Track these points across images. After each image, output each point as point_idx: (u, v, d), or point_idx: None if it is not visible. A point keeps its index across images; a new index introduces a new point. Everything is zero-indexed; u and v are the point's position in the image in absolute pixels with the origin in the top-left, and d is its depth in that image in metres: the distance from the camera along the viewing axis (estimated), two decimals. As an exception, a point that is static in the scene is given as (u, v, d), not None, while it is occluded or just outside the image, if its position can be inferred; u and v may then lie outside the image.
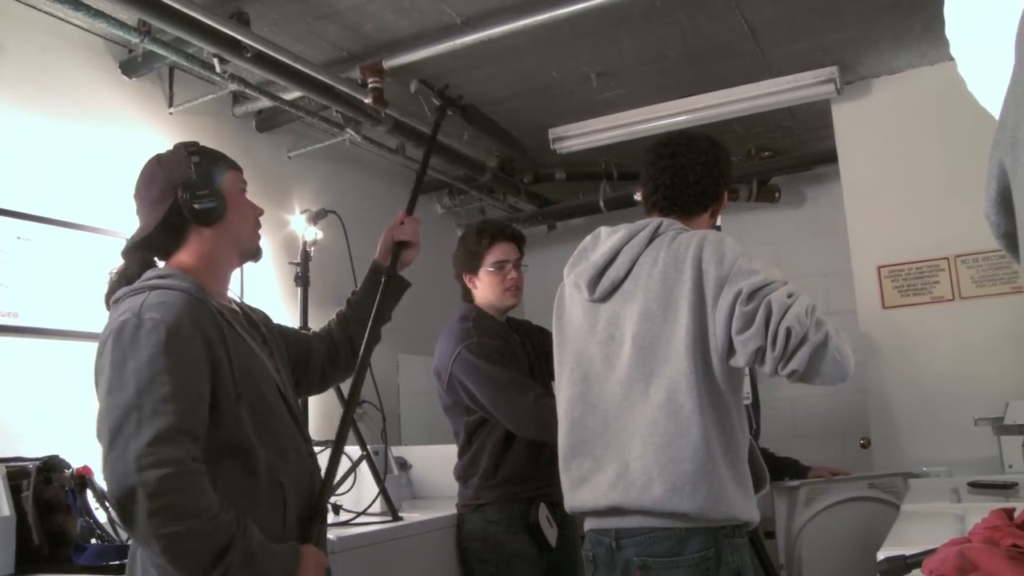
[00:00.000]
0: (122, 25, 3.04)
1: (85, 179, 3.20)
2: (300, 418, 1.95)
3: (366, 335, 2.21)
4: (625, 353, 2.02)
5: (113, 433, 1.56)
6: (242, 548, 1.57)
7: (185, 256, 1.86)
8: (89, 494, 2.38)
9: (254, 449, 1.72)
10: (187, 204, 1.82)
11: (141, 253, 1.88)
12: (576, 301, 2.19)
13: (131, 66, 3.43)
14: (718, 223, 2.33)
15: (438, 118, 2.63)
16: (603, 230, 2.19)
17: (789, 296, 1.84)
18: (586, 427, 2.07)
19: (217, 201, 1.86)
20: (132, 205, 3.31)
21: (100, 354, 1.68)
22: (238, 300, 2.02)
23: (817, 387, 5.11)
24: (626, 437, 1.98)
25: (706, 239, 2.00)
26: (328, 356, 2.22)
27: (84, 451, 2.49)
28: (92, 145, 3.25)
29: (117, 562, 2.15)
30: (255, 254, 2.02)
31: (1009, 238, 0.51)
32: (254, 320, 1.99)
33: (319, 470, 1.96)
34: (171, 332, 1.63)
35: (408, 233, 2.34)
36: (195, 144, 1.96)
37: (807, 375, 1.81)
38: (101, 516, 2.39)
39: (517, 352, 3.05)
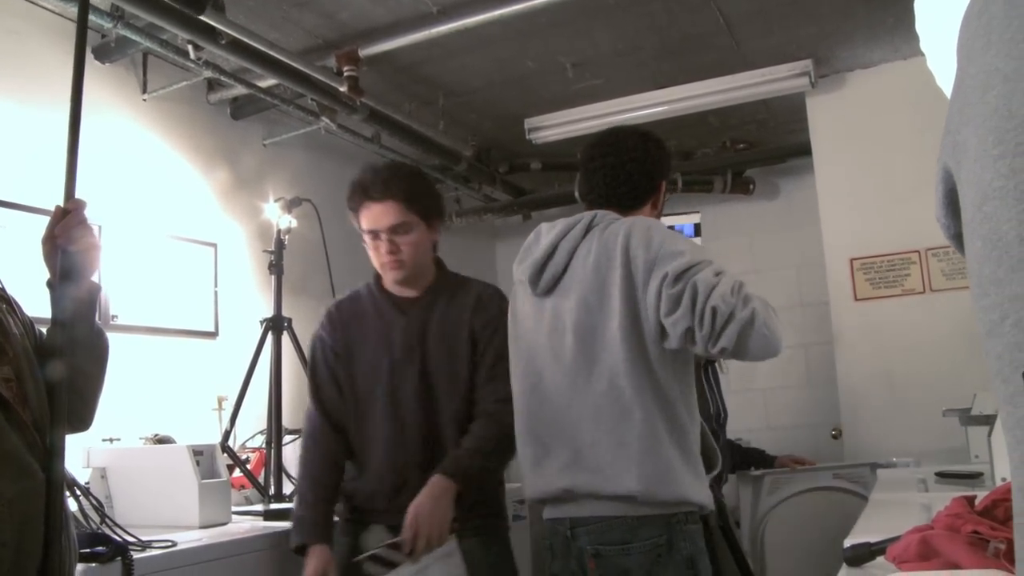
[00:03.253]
0: (94, 9, 3.01)
1: (56, 165, 3.17)
2: (33, 424, 1.53)
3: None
4: (568, 344, 2.07)
5: None
6: None
7: None
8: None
9: None
10: None
11: None
12: (525, 297, 2.24)
13: (104, 51, 3.39)
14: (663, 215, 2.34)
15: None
16: (543, 226, 2.23)
17: (715, 275, 1.88)
18: (538, 418, 2.12)
19: None
20: (111, 190, 3.30)
21: None
22: None
23: (792, 379, 5.21)
24: (575, 425, 2.03)
25: (634, 225, 2.05)
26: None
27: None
28: (64, 131, 3.22)
29: (87, 550, 2.13)
30: None
31: (959, 238, 0.53)
32: None
33: (61, 498, 1.56)
34: None
35: (72, 238, 1.75)
36: None
37: (737, 352, 1.86)
38: (71, 504, 2.37)
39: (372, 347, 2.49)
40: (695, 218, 2.59)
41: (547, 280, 2.14)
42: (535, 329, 2.17)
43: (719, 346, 1.83)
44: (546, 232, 2.20)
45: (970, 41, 0.51)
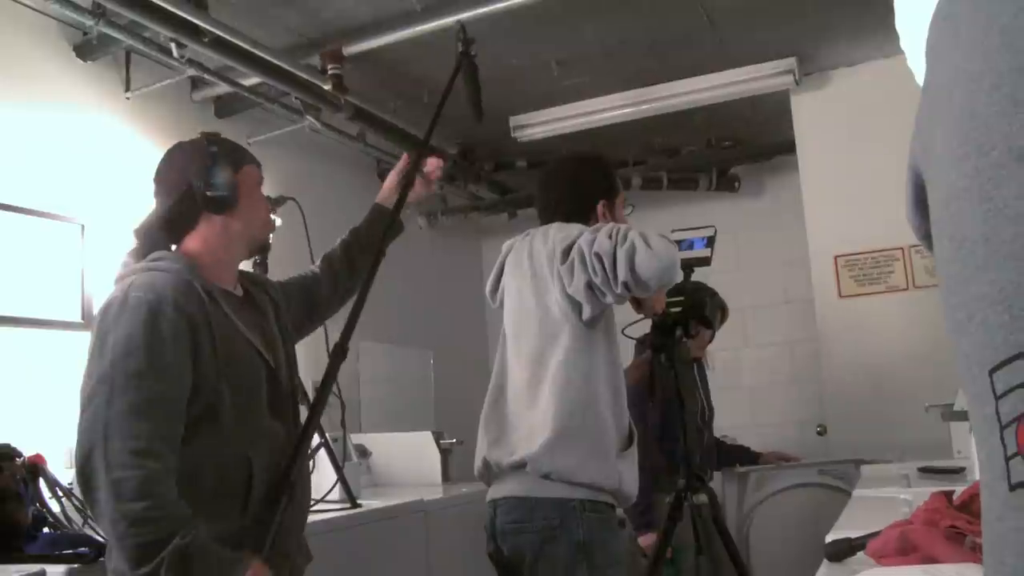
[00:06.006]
0: (76, 7, 2.99)
1: (39, 164, 3.16)
2: (289, 402, 1.98)
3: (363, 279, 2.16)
4: (509, 345, 2.33)
5: (86, 402, 1.65)
6: (180, 546, 1.59)
7: (193, 241, 1.93)
8: (42, 483, 2.36)
9: (229, 423, 1.77)
10: (200, 191, 1.89)
11: (152, 235, 1.93)
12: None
13: (86, 49, 3.38)
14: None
15: (460, 63, 2.56)
16: (504, 244, 2.47)
17: (593, 232, 2.10)
18: (494, 411, 2.31)
19: (229, 191, 1.92)
20: (94, 190, 3.30)
21: (92, 330, 1.76)
22: (253, 279, 2.13)
23: (778, 376, 5.23)
24: (507, 412, 2.26)
25: (539, 231, 2.31)
26: (331, 284, 2.27)
27: (37, 439, 2.47)
28: (46, 130, 3.20)
29: (69, 551, 2.12)
30: (264, 247, 2.16)
31: (929, 238, 0.53)
32: (259, 304, 2.03)
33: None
34: (152, 310, 1.70)
35: (433, 165, 2.35)
36: (216, 134, 2.02)
37: (637, 282, 2.02)
38: (54, 505, 2.37)
39: None
40: (708, 231, 2.64)
41: (500, 292, 2.42)
42: (504, 337, 2.39)
43: (619, 281, 2.01)
44: (503, 250, 2.46)
45: (937, 42, 0.52)
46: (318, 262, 2.33)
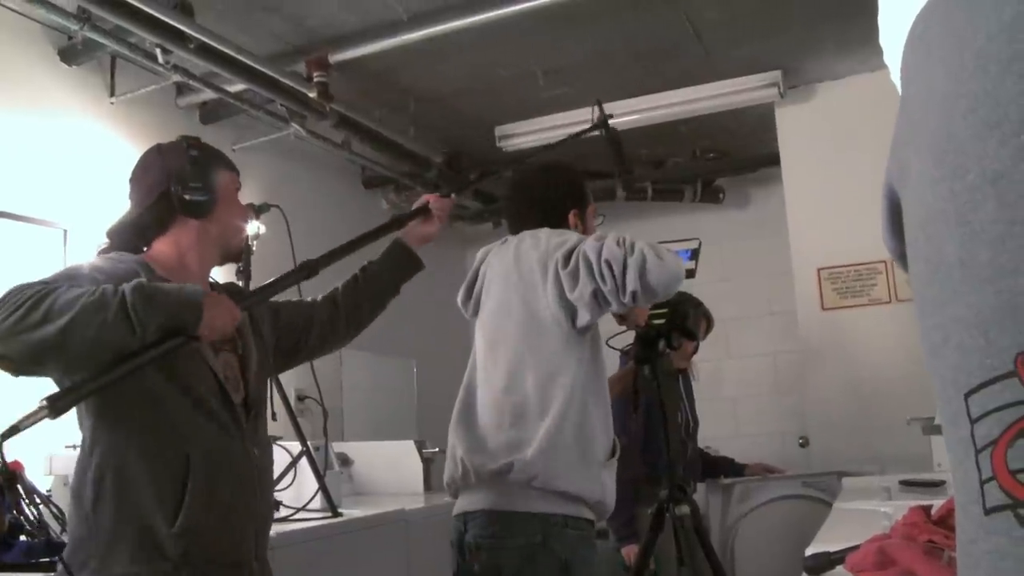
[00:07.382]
0: (60, 11, 2.98)
1: (22, 169, 3.13)
2: (243, 416, 1.85)
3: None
4: (482, 351, 2.28)
5: None
6: (136, 287, 1.58)
7: (164, 244, 1.89)
8: (20, 490, 2.33)
9: (164, 418, 1.70)
10: (178, 194, 1.85)
11: (123, 236, 1.91)
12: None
13: (70, 53, 3.36)
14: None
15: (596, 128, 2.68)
16: (479, 252, 2.43)
17: (597, 240, 2.05)
18: (464, 424, 2.24)
19: (207, 195, 1.89)
20: (78, 195, 3.28)
21: None
22: (232, 290, 2.06)
23: (761, 388, 5.23)
24: (484, 422, 2.18)
25: (526, 235, 2.26)
26: (330, 321, 2.20)
27: (14, 446, 2.44)
28: (30, 134, 3.18)
29: (46, 559, 2.10)
30: (237, 255, 2.10)
31: (904, 258, 0.53)
32: None
33: (253, 468, 1.86)
34: (90, 280, 1.67)
35: (439, 205, 2.32)
36: (196, 139, 2.00)
37: (646, 291, 1.97)
38: (31, 513, 2.34)
39: None
40: (693, 244, 2.64)
41: (474, 301, 2.36)
42: (477, 348, 2.33)
43: (628, 291, 1.96)
44: (477, 257, 2.42)
45: (912, 62, 0.52)
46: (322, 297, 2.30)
